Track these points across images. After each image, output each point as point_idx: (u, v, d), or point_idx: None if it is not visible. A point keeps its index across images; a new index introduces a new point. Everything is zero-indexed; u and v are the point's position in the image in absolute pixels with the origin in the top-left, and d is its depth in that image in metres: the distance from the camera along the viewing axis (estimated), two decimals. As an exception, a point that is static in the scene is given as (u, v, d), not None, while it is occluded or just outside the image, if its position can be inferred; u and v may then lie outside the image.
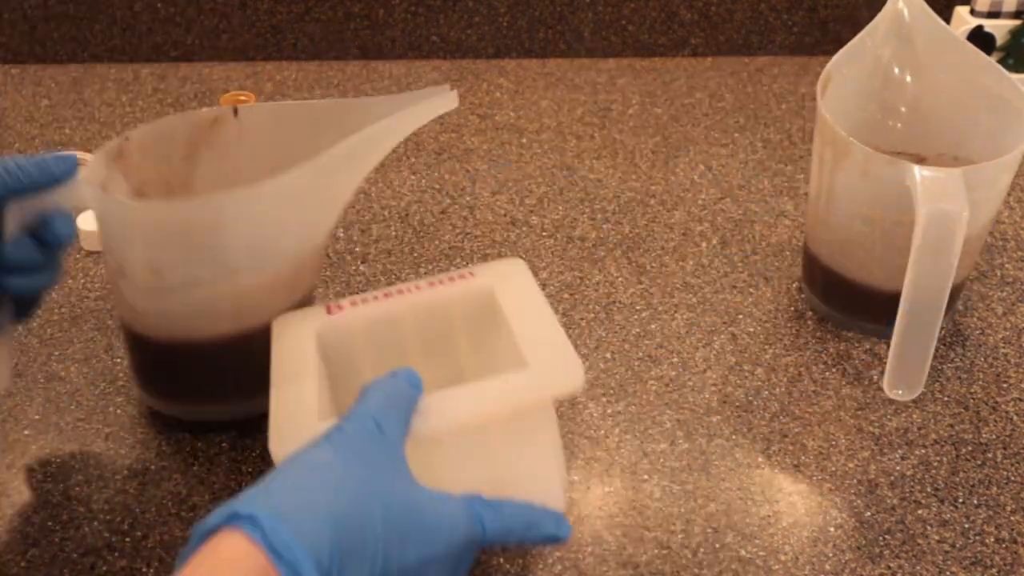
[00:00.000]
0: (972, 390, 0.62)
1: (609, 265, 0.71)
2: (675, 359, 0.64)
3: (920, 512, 0.54)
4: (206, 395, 0.58)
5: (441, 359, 0.54)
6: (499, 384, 0.46)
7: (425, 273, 0.70)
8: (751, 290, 0.69)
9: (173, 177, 0.60)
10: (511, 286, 0.52)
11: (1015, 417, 0.60)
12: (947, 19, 0.92)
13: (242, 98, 0.85)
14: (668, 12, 0.96)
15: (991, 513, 0.55)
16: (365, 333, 0.52)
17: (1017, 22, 0.88)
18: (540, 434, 0.48)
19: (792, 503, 0.55)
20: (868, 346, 0.65)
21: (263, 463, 0.56)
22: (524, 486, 0.46)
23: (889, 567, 0.52)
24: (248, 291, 0.54)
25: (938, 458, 0.58)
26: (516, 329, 0.49)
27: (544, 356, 0.47)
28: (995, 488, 0.56)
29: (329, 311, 0.52)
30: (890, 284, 0.62)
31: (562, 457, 0.51)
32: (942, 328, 0.63)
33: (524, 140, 0.85)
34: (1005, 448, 0.58)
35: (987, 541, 0.53)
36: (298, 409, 0.46)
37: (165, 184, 0.60)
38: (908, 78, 0.68)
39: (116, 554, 0.52)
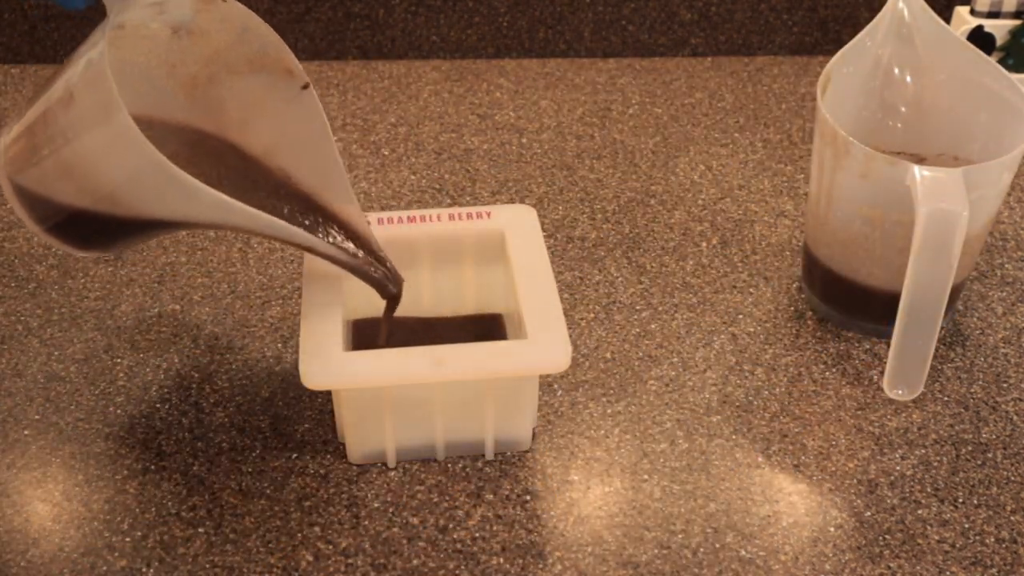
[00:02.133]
0: (972, 390, 0.62)
1: (609, 265, 0.71)
2: (675, 359, 0.64)
3: (920, 512, 0.54)
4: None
5: (448, 282, 0.62)
6: (497, 350, 0.54)
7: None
8: (751, 290, 0.69)
9: (188, 78, 0.56)
10: (520, 233, 0.60)
11: (1015, 417, 0.60)
12: (947, 19, 0.92)
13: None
14: (668, 12, 0.96)
15: (991, 513, 0.55)
16: (385, 247, 0.59)
17: (1017, 22, 0.88)
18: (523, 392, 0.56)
19: (792, 503, 0.55)
20: (868, 346, 0.65)
21: (263, 463, 0.57)
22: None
23: (889, 567, 0.52)
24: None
25: (938, 458, 0.58)
26: (519, 286, 0.56)
27: (540, 330, 0.53)
28: (995, 488, 0.56)
29: None
30: (890, 284, 0.62)
31: (535, 401, 0.57)
32: (942, 328, 0.63)
33: (524, 140, 0.85)
34: (1005, 448, 0.58)
35: (987, 541, 0.53)
36: (325, 340, 0.53)
37: (183, 76, 0.56)
38: (908, 78, 0.68)
39: (116, 554, 0.52)
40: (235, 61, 0.57)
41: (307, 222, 0.58)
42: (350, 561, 0.52)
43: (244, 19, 0.55)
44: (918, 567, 0.52)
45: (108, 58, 0.47)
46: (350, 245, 0.58)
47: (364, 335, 0.61)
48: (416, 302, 0.62)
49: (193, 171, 0.55)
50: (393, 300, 0.59)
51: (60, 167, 0.52)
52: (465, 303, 0.63)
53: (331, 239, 0.57)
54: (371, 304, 0.61)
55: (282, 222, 0.53)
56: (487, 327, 0.62)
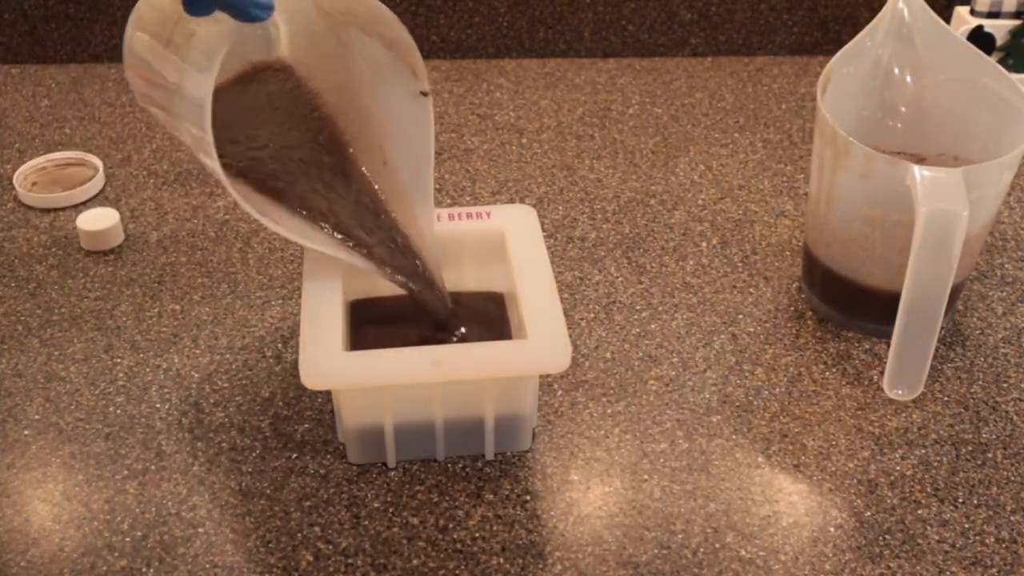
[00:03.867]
0: (972, 390, 0.62)
1: (609, 265, 0.71)
2: (675, 359, 0.64)
3: (920, 512, 0.54)
4: None
5: (448, 281, 0.60)
6: (497, 350, 0.54)
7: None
8: (751, 290, 0.69)
9: (326, 10, 0.57)
10: (520, 233, 0.60)
11: (1015, 417, 0.60)
12: (947, 19, 0.92)
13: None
14: (668, 12, 0.96)
15: (991, 513, 0.55)
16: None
17: (1017, 22, 0.88)
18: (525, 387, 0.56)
19: (792, 503, 0.55)
20: (868, 346, 0.65)
21: (263, 463, 0.57)
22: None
23: (889, 567, 0.52)
24: None
25: (938, 458, 0.58)
26: (519, 286, 0.56)
27: (540, 330, 0.53)
28: (995, 488, 0.56)
29: None
30: (890, 284, 0.62)
31: (535, 401, 0.57)
32: (942, 328, 0.63)
33: (524, 140, 0.85)
34: (1005, 448, 0.58)
35: (987, 541, 0.53)
36: (325, 340, 0.53)
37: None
38: (908, 78, 0.68)
39: (116, 554, 0.52)
40: (369, 27, 0.57)
41: (375, 229, 0.58)
42: (350, 561, 0.52)
43: (380, 13, 0.55)
44: (918, 567, 0.52)
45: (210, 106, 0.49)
46: (409, 262, 0.58)
47: (363, 315, 0.61)
48: None
49: (282, 119, 0.57)
50: (440, 325, 0.59)
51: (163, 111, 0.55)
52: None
53: (391, 253, 0.58)
54: (370, 286, 0.61)
55: (338, 248, 0.56)
56: (489, 302, 0.62)
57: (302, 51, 0.59)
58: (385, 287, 0.61)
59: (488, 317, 0.61)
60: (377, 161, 0.60)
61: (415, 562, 0.52)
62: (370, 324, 0.60)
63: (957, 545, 0.53)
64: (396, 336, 0.58)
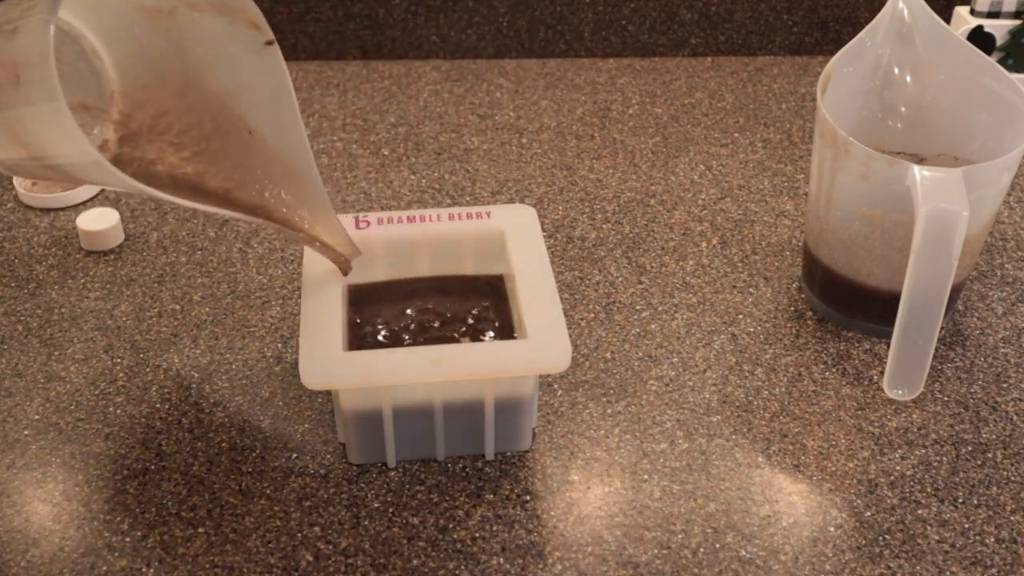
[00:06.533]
0: (972, 390, 0.62)
1: (609, 265, 0.71)
2: (675, 359, 0.64)
3: (920, 512, 0.54)
4: None
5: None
6: (497, 350, 0.54)
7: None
8: (751, 290, 0.69)
9: (152, 9, 0.56)
10: (520, 233, 0.60)
11: (1015, 417, 0.60)
12: (947, 19, 0.92)
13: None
14: (668, 12, 0.96)
15: (991, 513, 0.55)
16: (384, 247, 0.60)
17: (1017, 22, 0.88)
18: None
19: (792, 503, 0.55)
20: (868, 346, 0.65)
21: (263, 463, 0.57)
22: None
23: (889, 567, 0.52)
24: None
25: (938, 458, 0.58)
26: (519, 286, 0.56)
27: (540, 330, 0.54)
28: (995, 488, 0.56)
29: (357, 225, 0.60)
30: (890, 284, 0.62)
31: (535, 401, 0.57)
32: (942, 328, 0.63)
33: (524, 140, 0.85)
34: (1005, 448, 0.58)
35: (987, 541, 0.53)
36: (325, 340, 0.53)
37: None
38: (908, 78, 0.68)
39: (116, 554, 0.52)
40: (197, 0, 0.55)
41: (261, 192, 0.57)
42: (350, 561, 0.52)
43: None
44: (918, 567, 0.52)
45: (53, 48, 0.46)
46: (299, 216, 0.57)
47: (362, 299, 0.60)
48: None
49: (153, 110, 0.56)
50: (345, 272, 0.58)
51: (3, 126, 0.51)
52: None
53: (283, 211, 0.56)
54: (368, 271, 0.61)
55: (222, 210, 0.53)
56: (489, 285, 0.61)
57: (132, 69, 0.57)
58: (384, 273, 0.61)
59: (490, 290, 0.60)
60: (242, 134, 0.57)
61: (415, 562, 0.52)
62: (368, 305, 0.60)
63: (957, 545, 0.53)
64: (394, 316, 0.58)
